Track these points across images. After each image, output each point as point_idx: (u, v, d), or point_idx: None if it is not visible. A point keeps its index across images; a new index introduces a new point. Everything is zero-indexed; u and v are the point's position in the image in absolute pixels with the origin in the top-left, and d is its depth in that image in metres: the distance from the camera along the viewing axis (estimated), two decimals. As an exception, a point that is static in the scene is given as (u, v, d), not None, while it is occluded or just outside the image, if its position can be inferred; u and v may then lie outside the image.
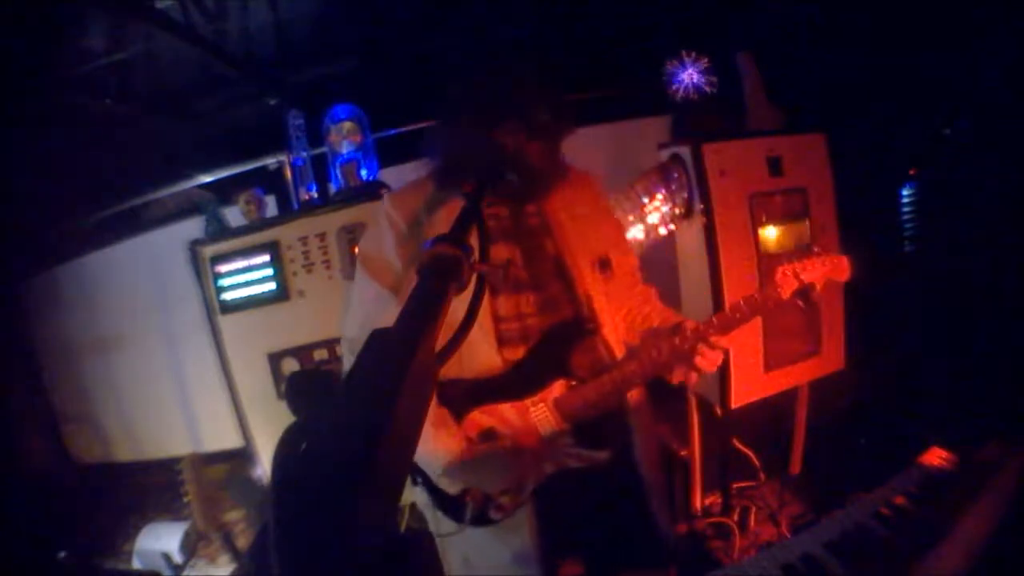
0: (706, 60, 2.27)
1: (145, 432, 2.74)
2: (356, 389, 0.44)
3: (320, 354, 2.19)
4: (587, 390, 1.17)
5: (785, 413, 2.55)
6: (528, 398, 1.17)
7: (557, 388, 1.18)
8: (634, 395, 1.29)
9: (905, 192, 2.96)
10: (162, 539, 2.60)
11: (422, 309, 0.54)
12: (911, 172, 2.93)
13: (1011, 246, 2.47)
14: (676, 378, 1.20)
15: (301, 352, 2.19)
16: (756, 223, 2.21)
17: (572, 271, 1.22)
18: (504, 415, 1.17)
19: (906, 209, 2.97)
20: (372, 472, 0.36)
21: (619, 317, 1.35)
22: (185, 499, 2.68)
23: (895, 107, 2.66)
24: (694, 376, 1.17)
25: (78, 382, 2.75)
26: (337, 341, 2.17)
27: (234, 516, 2.90)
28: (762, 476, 2.59)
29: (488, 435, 1.16)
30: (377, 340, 0.48)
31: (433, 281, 0.60)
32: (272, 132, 2.55)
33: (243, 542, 2.78)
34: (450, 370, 1.18)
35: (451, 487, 1.15)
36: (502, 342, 1.18)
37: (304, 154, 2.42)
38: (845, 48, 2.57)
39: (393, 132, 2.66)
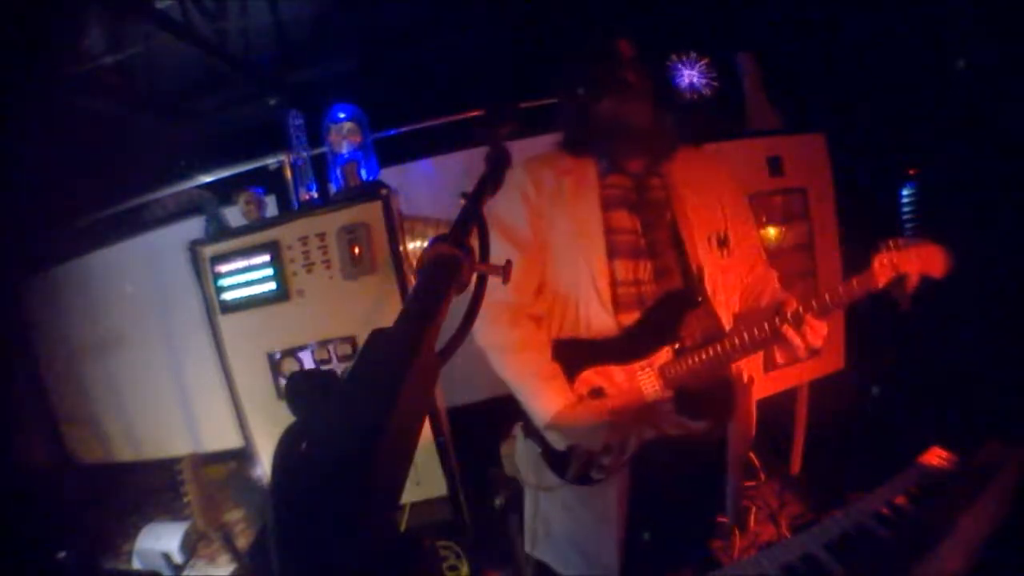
0: (706, 60, 2.27)
1: (145, 432, 2.73)
2: (356, 389, 0.44)
3: (320, 354, 2.19)
4: (692, 359, 1.21)
5: (785, 413, 2.55)
6: (637, 362, 1.22)
7: (664, 355, 1.22)
8: (745, 373, 1.33)
9: (905, 192, 2.95)
10: (162, 539, 2.59)
11: (422, 309, 0.54)
12: (911, 172, 2.92)
13: (1011, 246, 2.47)
14: (781, 357, 1.30)
15: (301, 352, 2.19)
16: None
17: (687, 243, 1.26)
18: (613, 377, 1.23)
19: (906, 209, 2.97)
20: (372, 472, 0.36)
21: (735, 293, 1.36)
22: (185, 499, 2.67)
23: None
24: (802, 350, 1.16)
25: (78, 382, 2.74)
26: (337, 341, 2.17)
27: (234, 516, 2.90)
28: (762, 476, 2.58)
29: (597, 393, 1.22)
30: (378, 340, 0.48)
31: (433, 281, 0.60)
32: (272, 132, 2.54)
33: (243, 542, 2.77)
34: (568, 329, 1.25)
35: (558, 442, 1.21)
36: (617, 306, 1.22)
37: (304, 154, 2.41)
38: (845, 46, 2.57)
39: (393, 132, 2.66)
